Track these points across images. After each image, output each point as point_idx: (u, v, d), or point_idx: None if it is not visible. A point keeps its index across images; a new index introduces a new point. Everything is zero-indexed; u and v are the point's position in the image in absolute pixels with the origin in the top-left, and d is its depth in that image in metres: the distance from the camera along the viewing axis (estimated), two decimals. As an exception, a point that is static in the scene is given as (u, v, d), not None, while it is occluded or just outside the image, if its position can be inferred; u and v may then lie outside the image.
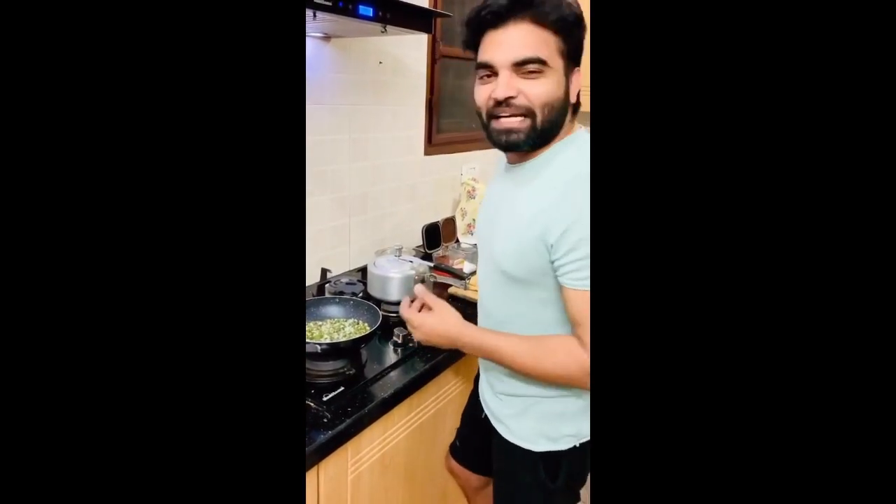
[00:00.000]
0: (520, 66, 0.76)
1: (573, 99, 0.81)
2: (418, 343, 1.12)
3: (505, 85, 0.76)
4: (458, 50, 2.08)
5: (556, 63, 0.76)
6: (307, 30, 1.30)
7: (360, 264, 1.72)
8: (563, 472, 0.93)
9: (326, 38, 1.43)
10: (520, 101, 0.77)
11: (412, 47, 1.77)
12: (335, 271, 1.60)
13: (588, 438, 0.92)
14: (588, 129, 0.79)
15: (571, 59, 0.78)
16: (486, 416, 1.05)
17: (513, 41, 0.75)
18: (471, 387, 1.37)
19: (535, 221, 0.78)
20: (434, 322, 0.91)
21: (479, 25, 0.78)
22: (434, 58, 1.88)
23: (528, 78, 0.77)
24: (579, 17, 0.77)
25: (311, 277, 1.54)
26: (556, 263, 0.77)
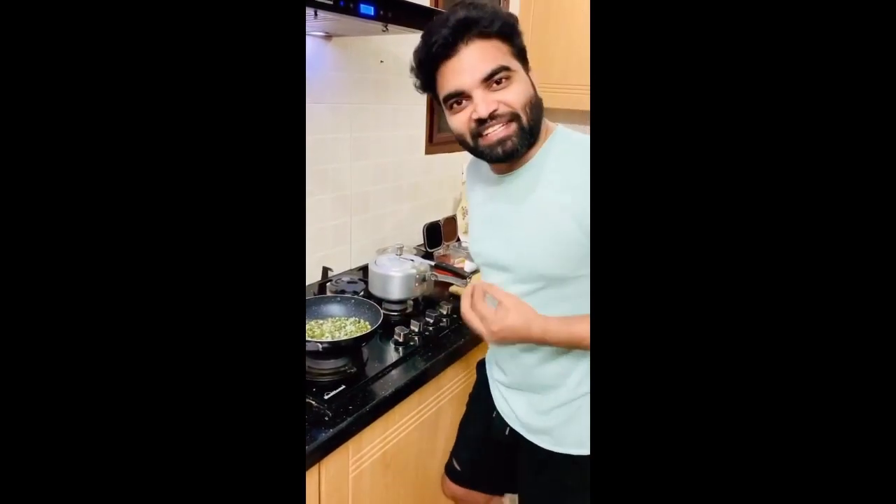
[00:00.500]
0: (488, 81, 0.77)
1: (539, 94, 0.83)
2: (418, 336, 1.13)
3: (483, 102, 0.77)
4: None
5: (517, 65, 0.79)
6: (308, 29, 1.31)
7: (361, 263, 1.72)
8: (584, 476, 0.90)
9: (328, 37, 1.43)
10: (502, 110, 0.78)
11: (413, 46, 1.77)
12: (336, 270, 1.60)
13: None
14: (562, 125, 0.84)
15: (524, 60, 0.81)
16: (510, 431, 1.01)
17: (472, 61, 0.76)
18: (470, 384, 1.37)
19: (565, 213, 0.78)
20: (514, 316, 0.81)
21: (433, 60, 0.80)
22: (435, 56, 1.87)
23: (500, 88, 0.78)
24: (515, 20, 0.80)
25: (313, 276, 1.54)
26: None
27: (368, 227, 1.74)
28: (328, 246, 1.60)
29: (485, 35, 0.76)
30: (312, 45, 1.40)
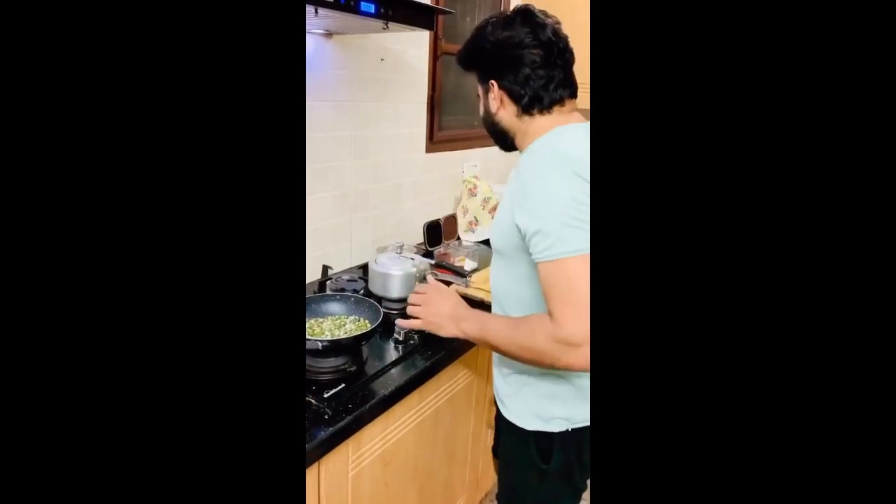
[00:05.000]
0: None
1: (493, 108, 0.95)
2: (418, 335, 1.18)
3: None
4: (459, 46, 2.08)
5: (480, 90, 0.98)
6: (308, 27, 1.30)
7: (361, 261, 1.72)
8: (557, 455, 0.96)
9: (328, 34, 1.43)
10: None
11: (414, 44, 1.77)
12: (336, 268, 1.60)
13: (581, 424, 0.94)
14: (562, 126, 0.90)
15: (483, 79, 0.95)
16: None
17: None
18: (472, 384, 1.37)
19: (507, 204, 0.89)
20: (439, 300, 0.99)
21: None
22: (436, 55, 1.87)
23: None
24: (474, 46, 0.95)
25: (313, 274, 1.54)
26: (528, 245, 0.84)
27: (369, 226, 1.74)
28: (328, 244, 1.60)
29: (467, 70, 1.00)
30: (313, 42, 1.40)
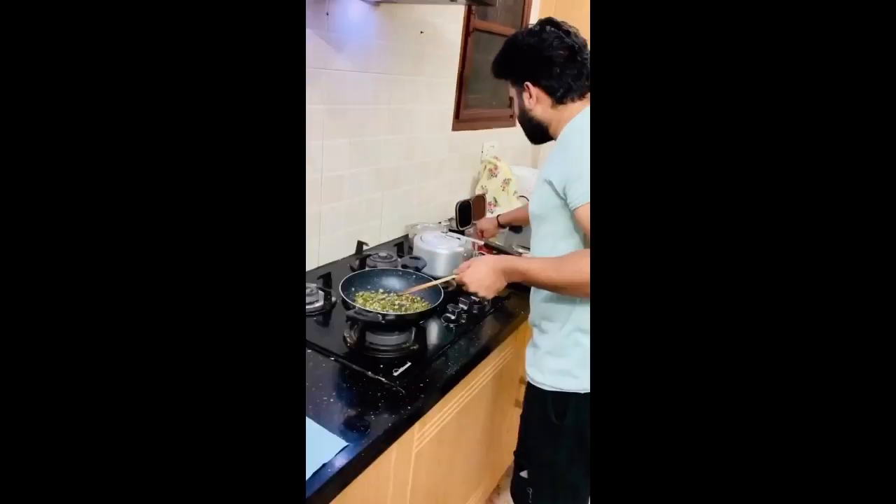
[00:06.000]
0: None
1: (530, 106, 1.06)
2: (466, 314, 1.23)
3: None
4: (491, 24, 2.04)
5: (514, 93, 1.11)
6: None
7: (389, 238, 1.69)
8: (572, 413, 1.04)
9: (377, 3, 1.38)
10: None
11: (451, 18, 1.73)
12: (368, 244, 1.57)
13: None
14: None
15: (519, 82, 1.06)
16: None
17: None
18: (511, 363, 1.38)
19: (547, 170, 1.03)
20: (478, 265, 1.04)
21: None
22: (468, 30, 1.84)
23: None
24: (508, 55, 1.08)
25: (348, 249, 1.51)
26: (566, 197, 0.97)
27: (398, 203, 1.72)
28: (362, 220, 1.56)
29: (502, 77, 1.12)
30: (361, 10, 1.35)
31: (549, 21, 1.06)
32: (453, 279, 1.08)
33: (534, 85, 1.04)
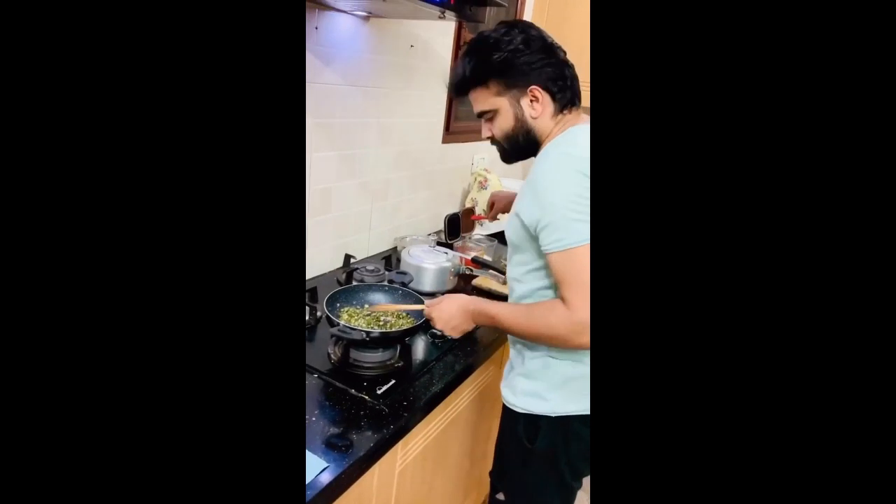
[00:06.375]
0: (481, 117, 1.00)
1: (533, 114, 0.95)
2: (443, 334, 1.16)
3: (484, 130, 1.02)
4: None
5: (501, 103, 0.95)
6: (351, 7, 1.26)
7: (378, 251, 1.69)
8: (543, 437, 0.99)
9: (367, 17, 1.38)
10: (494, 136, 1.01)
11: (441, 32, 1.74)
12: (356, 257, 1.57)
13: (565, 413, 0.97)
14: (576, 127, 0.94)
15: (514, 87, 0.93)
16: None
17: (474, 102, 1.00)
18: (495, 381, 1.37)
19: (516, 202, 0.98)
20: (447, 304, 1.02)
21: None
22: (459, 44, 1.84)
23: (490, 121, 0.99)
24: (501, 58, 0.92)
25: (335, 262, 1.51)
26: (537, 237, 0.90)
27: (386, 216, 1.71)
28: (350, 233, 1.56)
29: (479, 85, 0.96)
30: (351, 24, 1.35)
31: (517, 21, 0.97)
32: (423, 310, 1.05)
33: (544, 90, 0.92)
